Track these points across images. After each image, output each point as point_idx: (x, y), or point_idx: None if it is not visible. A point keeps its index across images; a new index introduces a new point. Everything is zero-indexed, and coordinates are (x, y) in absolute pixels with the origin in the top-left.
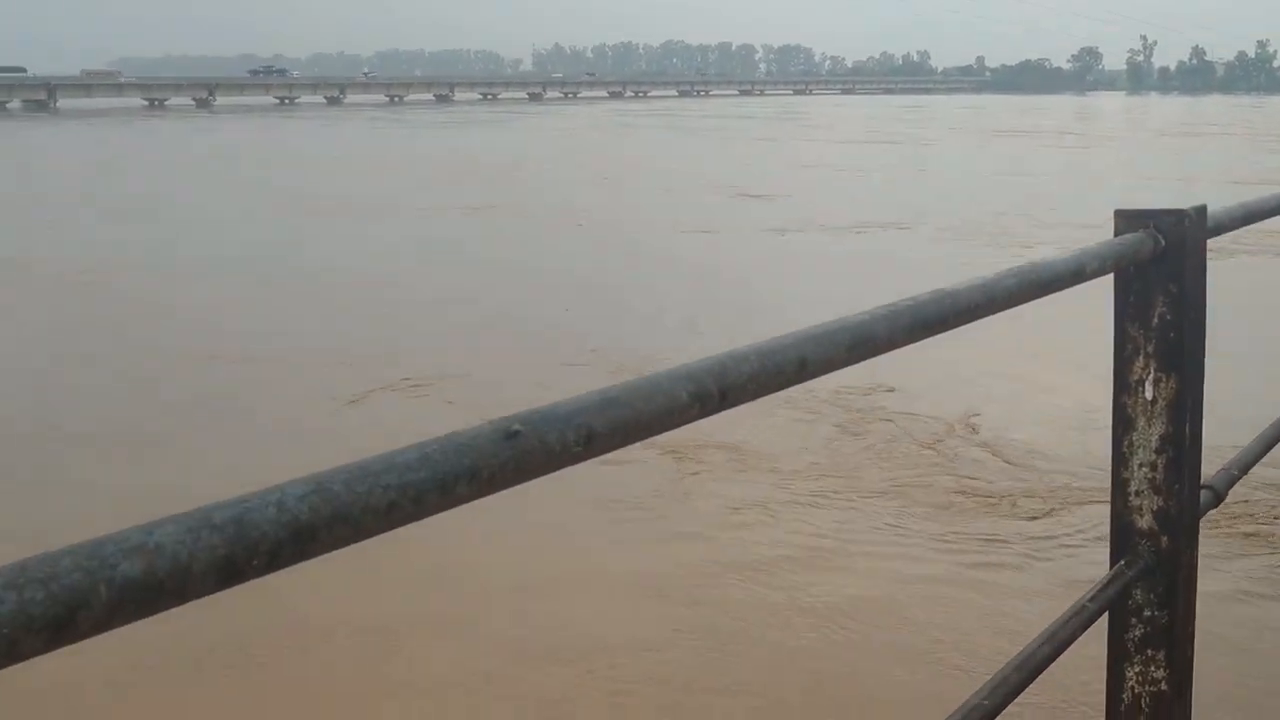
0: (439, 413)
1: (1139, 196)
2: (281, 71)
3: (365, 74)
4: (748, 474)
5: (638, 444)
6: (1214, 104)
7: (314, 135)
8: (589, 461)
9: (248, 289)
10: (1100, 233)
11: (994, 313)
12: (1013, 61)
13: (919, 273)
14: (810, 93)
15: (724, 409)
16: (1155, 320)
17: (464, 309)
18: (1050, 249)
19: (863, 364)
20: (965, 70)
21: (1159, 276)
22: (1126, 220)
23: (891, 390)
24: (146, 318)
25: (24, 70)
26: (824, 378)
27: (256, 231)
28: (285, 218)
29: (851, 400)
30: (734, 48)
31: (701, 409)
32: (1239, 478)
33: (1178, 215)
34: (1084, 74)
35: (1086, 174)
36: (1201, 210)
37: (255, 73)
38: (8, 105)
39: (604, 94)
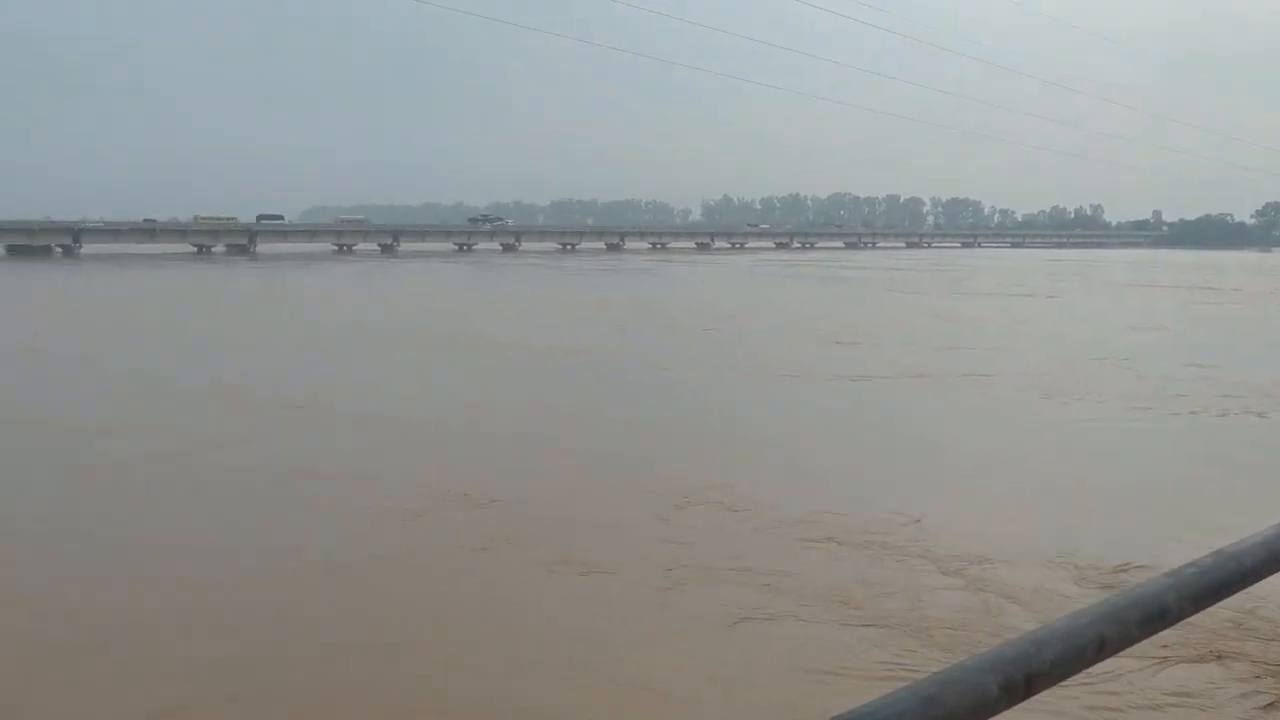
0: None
1: (1195, 356)
2: (499, 220)
3: (490, 220)
4: None
5: None
6: None
7: (470, 279)
8: None
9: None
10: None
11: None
12: (1192, 215)
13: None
14: (978, 245)
15: (1029, 697)
16: None
17: (540, 443)
18: (1083, 405)
19: None
20: (1139, 225)
21: None
22: None
23: None
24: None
25: (282, 218)
26: None
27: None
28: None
29: None
30: (902, 200)
31: (1009, 699)
32: None
33: None
34: (1270, 229)
35: (1184, 333)
36: None
37: (475, 220)
38: (213, 249)
39: (770, 244)
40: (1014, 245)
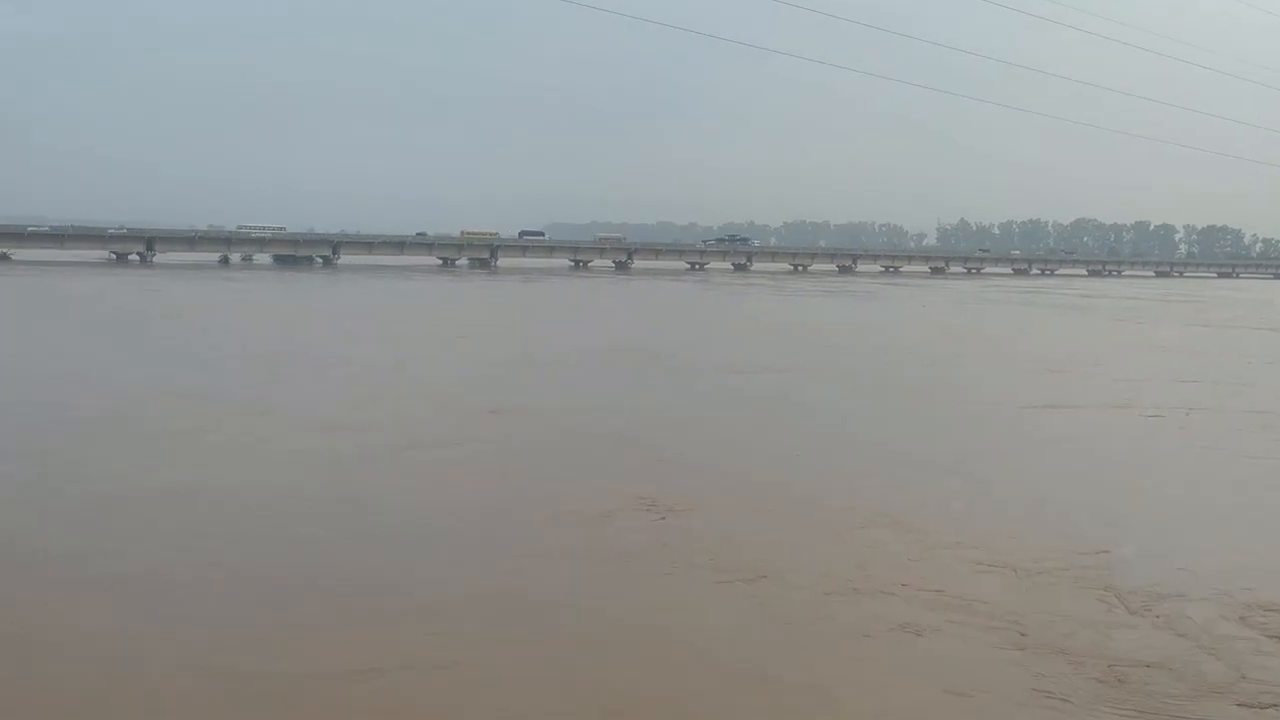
0: None
1: None
2: (743, 239)
3: (735, 240)
4: None
5: None
6: None
7: (700, 298)
8: None
9: None
10: None
11: None
12: None
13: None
14: (1236, 275)
15: None
16: None
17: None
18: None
19: None
20: None
21: None
22: None
23: None
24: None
25: (543, 234)
26: None
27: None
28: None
29: None
30: (1151, 227)
31: None
32: None
33: None
34: None
35: None
36: None
37: (721, 240)
38: (457, 262)
39: (1008, 270)
40: (1277, 277)
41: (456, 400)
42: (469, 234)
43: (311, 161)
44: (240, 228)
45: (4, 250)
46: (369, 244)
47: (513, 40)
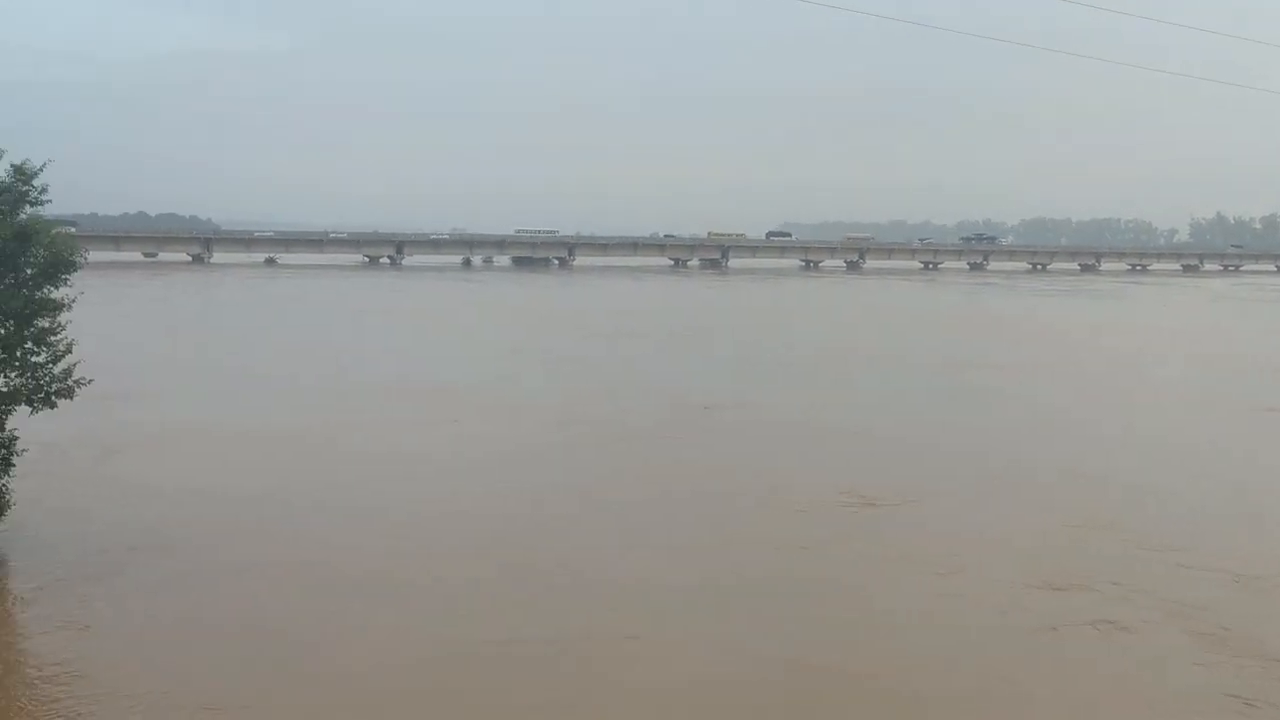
0: None
1: None
2: (991, 238)
3: (983, 239)
4: None
5: None
6: None
7: (918, 296)
8: None
9: None
10: None
11: None
12: None
13: None
14: None
15: None
16: None
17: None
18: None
19: None
20: None
21: None
22: None
23: None
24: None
25: (790, 235)
26: None
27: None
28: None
29: None
30: None
31: None
32: None
33: None
34: None
35: None
36: None
37: (968, 239)
38: (689, 262)
39: (1271, 267)
40: None
41: (679, 396)
42: (715, 235)
43: (552, 164)
44: (519, 231)
45: (272, 255)
46: (603, 245)
47: (758, 42)
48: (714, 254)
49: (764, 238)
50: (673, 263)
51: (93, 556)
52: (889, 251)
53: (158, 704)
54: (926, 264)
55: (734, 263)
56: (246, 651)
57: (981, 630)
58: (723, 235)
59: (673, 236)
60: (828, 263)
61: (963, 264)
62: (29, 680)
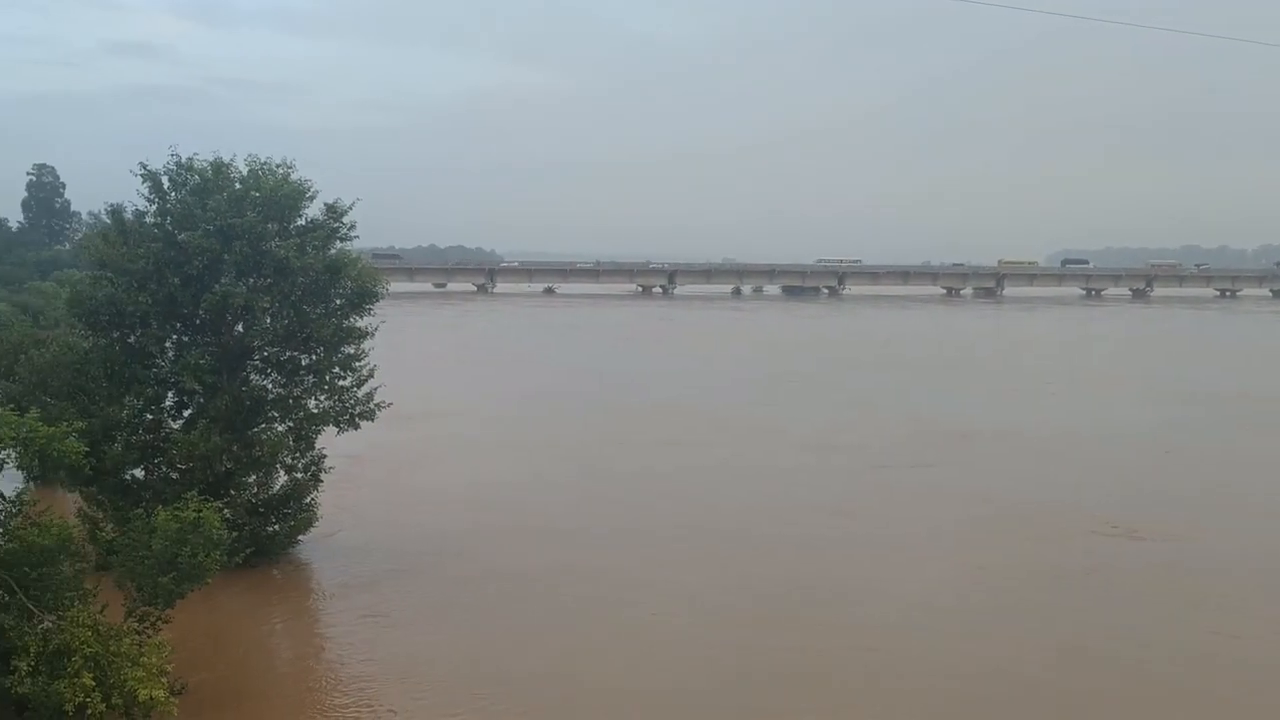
0: None
1: None
2: None
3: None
4: None
5: None
6: None
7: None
8: None
9: None
10: None
11: None
12: None
13: None
14: None
15: None
16: None
17: None
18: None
19: None
20: None
21: None
22: None
23: None
24: None
25: (1088, 263)
26: None
27: None
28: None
29: None
30: None
31: None
32: None
33: None
34: None
35: None
36: None
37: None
38: (961, 291)
39: None
40: None
41: (930, 423)
42: (1006, 263)
43: (827, 189)
44: (820, 261)
45: (551, 284)
46: (874, 274)
47: (1049, 63)
48: (988, 283)
49: (1060, 266)
50: (945, 291)
51: (390, 559)
52: (1180, 279)
53: (444, 679)
54: (1223, 291)
55: (1010, 291)
56: (526, 637)
57: None
58: (1014, 264)
59: (960, 265)
60: (1111, 290)
61: (1264, 291)
62: (334, 660)
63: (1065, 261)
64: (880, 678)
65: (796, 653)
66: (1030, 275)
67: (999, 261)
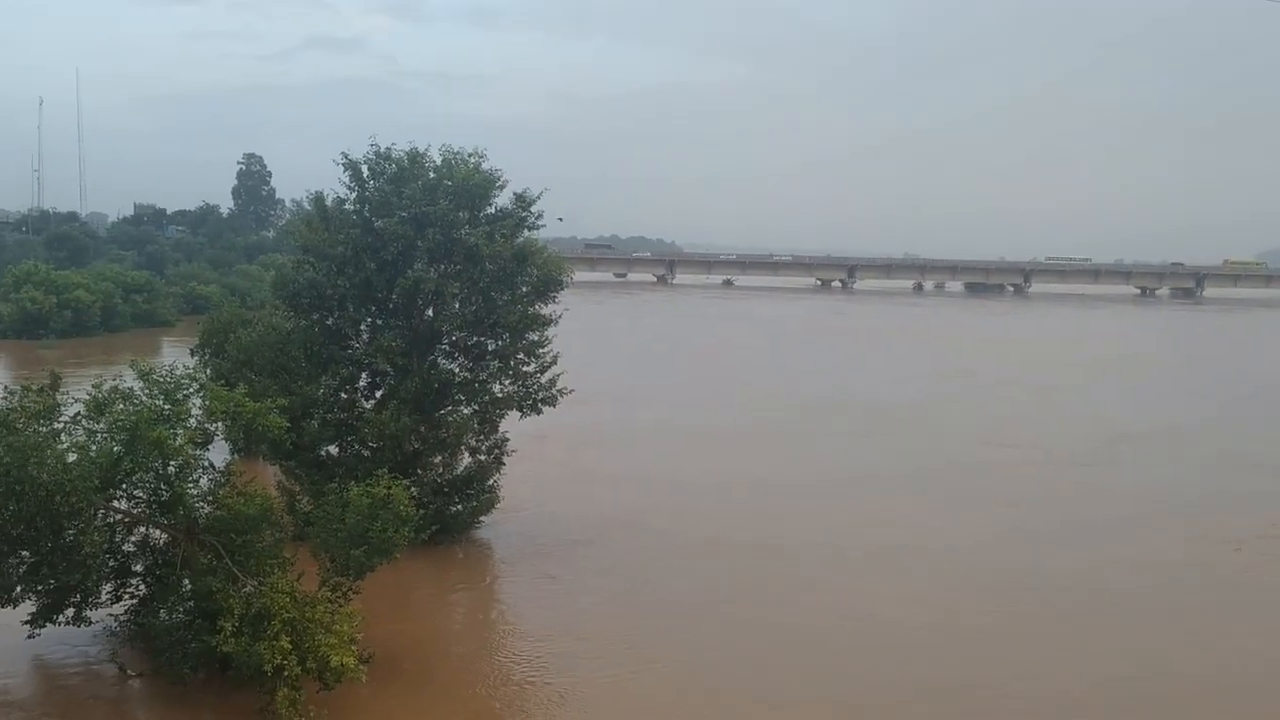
0: None
1: None
2: None
3: None
4: None
5: None
6: None
7: None
8: None
9: None
10: None
11: None
12: None
13: None
14: None
15: None
16: None
17: None
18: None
19: None
20: None
21: None
22: None
23: None
24: None
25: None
26: None
27: None
28: None
29: None
30: None
31: None
32: None
33: None
34: None
35: None
36: None
37: None
38: (1157, 291)
39: None
40: None
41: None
42: (1232, 264)
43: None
44: (1049, 258)
45: (729, 276)
46: (1061, 271)
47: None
48: (1187, 283)
49: None
50: (1139, 291)
51: (562, 534)
52: None
53: (598, 636)
54: None
55: (1210, 292)
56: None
57: None
58: (1240, 264)
59: (1179, 264)
60: None
61: None
62: (511, 626)
63: None
64: None
65: None
66: (1235, 276)
67: (1224, 261)
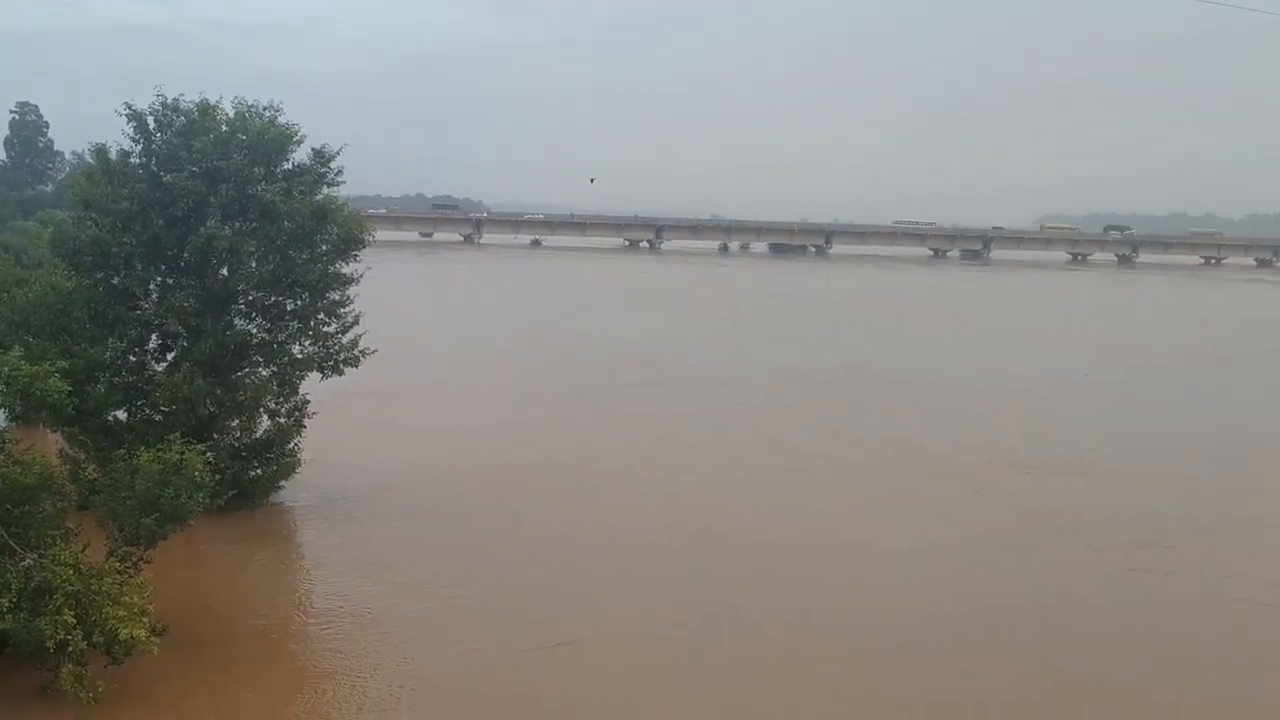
0: None
1: None
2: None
3: None
4: None
5: None
6: None
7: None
8: None
9: None
10: None
11: None
12: None
13: None
14: None
15: None
16: None
17: None
18: None
19: None
20: None
21: None
22: None
23: None
24: None
25: (1129, 229)
26: None
27: None
28: None
29: None
30: None
31: None
32: None
33: None
34: None
35: None
36: None
37: None
38: (948, 253)
39: None
40: None
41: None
42: (1048, 228)
43: (830, 152)
44: (896, 222)
45: (537, 236)
46: (861, 234)
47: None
48: (975, 245)
49: (1102, 232)
50: (932, 253)
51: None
52: (1166, 246)
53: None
54: (1207, 259)
55: (996, 254)
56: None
57: None
58: (1055, 229)
59: (992, 229)
60: (1097, 255)
61: (1249, 259)
62: (312, 598)
63: (1108, 228)
64: None
65: None
66: (1018, 239)
67: (1041, 226)
